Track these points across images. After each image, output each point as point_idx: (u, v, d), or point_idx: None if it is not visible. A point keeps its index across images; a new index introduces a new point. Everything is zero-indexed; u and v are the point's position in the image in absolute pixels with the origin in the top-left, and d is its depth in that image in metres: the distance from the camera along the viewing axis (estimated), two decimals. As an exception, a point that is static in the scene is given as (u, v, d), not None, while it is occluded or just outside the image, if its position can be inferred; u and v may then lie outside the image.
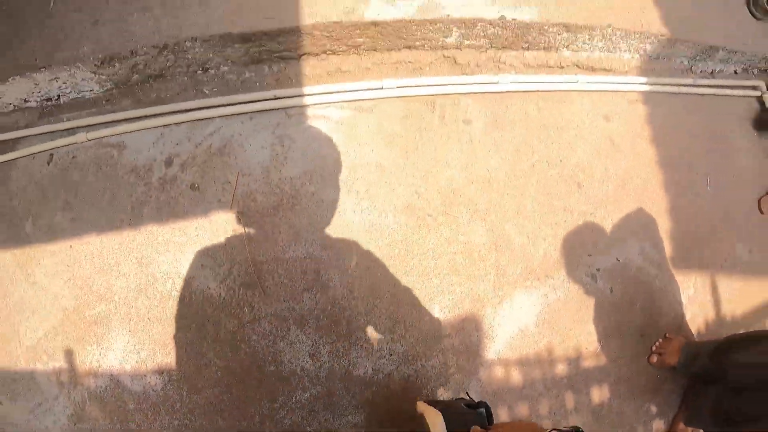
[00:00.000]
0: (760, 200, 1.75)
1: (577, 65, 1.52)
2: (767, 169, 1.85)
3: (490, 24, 1.34)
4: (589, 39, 1.46)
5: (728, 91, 1.80)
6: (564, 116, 1.46)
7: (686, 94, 1.67)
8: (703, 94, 1.72)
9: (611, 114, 1.52)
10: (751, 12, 1.86)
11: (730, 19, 1.74)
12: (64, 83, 1.41)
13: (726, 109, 1.79)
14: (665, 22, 1.52)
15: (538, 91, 1.44)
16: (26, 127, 1.44)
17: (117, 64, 1.37)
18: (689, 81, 1.69)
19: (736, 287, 1.57)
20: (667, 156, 1.57)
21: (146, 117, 1.39)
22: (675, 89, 1.64)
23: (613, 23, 1.43)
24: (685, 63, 1.71)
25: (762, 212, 1.74)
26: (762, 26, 1.85)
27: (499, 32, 1.37)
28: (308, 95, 1.35)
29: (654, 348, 1.41)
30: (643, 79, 1.59)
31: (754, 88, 1.88)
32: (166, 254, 1.31)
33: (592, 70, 1.54)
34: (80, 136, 1.40)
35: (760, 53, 1.80)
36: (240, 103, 1.35)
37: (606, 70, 1.55)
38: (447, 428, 0.80)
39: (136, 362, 1.26)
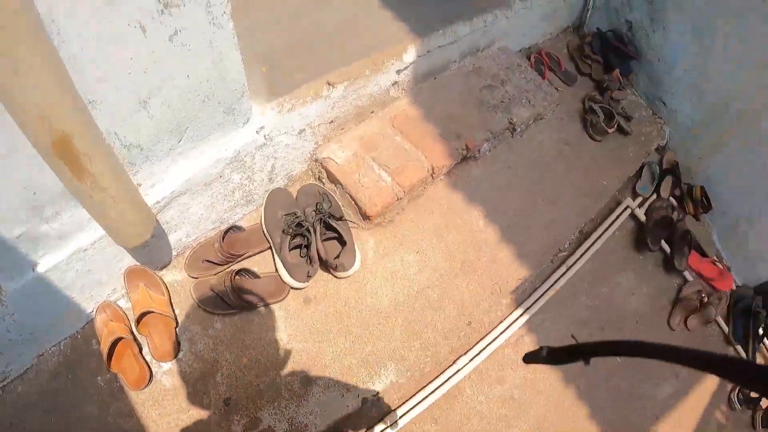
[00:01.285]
0: (669, 319, 1.85)
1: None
2: (663, 283, 1.89)
3: None
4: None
5: (607, 233, 1.77)
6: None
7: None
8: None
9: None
10: (589, 134, 1.87)
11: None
12: None
13: (605, 254, 1.78)
14: (518, 262, 1.46)
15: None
16: None
17: None
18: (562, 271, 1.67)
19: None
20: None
21: None
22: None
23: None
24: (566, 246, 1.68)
25: (672, 329, 1.84)
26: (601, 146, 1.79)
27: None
28: None
29: None
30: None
31: (625, 209, 1.84)
32: None
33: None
34: None
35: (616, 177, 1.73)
36: None
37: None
38: None
39: None
